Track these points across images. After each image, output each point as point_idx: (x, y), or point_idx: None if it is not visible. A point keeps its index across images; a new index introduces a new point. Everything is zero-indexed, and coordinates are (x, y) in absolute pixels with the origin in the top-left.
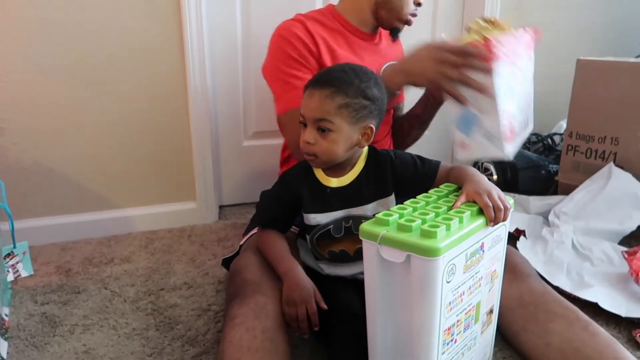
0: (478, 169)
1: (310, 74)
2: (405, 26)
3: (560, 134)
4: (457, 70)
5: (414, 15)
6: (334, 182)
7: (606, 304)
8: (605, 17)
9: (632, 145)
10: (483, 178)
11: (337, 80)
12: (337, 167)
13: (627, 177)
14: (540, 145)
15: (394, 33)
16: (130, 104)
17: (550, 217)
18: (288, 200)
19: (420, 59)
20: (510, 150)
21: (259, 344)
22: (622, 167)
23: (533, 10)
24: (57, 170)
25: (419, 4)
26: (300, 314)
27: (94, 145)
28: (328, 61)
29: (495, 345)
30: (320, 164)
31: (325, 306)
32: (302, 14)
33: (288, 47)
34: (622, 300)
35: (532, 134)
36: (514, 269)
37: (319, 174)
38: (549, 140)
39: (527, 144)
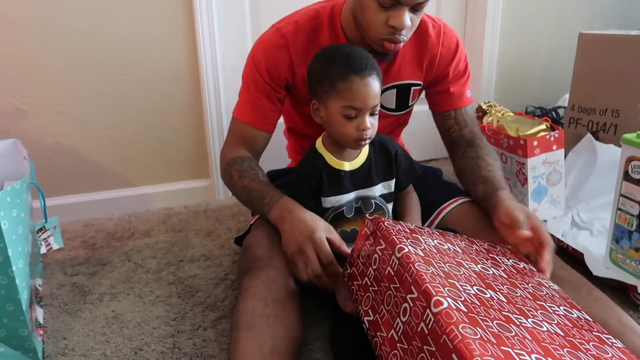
0: None
1: (274, 95)
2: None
3: (565, 107)
4: (309, 271)
5: (390, 40)
6: (347, 166)
7: (588, 257)
8: None
9: (632, 117)
10: None
11: None
12: (347, 151)
13: (610, 148)
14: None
15: (378, 55)
16: (145, 85)
17: None
18: (313, 190)
19: (291, 235)
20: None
21: (270, 311)
22: None
23: None
24: (77, 150)
25: (394, 28)
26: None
27: (112, 126)
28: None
29: None
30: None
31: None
32: (291, 24)
33: (255, 72)
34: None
35: (537, 107)
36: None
37: (331, 160)
38: (554, 113)
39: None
